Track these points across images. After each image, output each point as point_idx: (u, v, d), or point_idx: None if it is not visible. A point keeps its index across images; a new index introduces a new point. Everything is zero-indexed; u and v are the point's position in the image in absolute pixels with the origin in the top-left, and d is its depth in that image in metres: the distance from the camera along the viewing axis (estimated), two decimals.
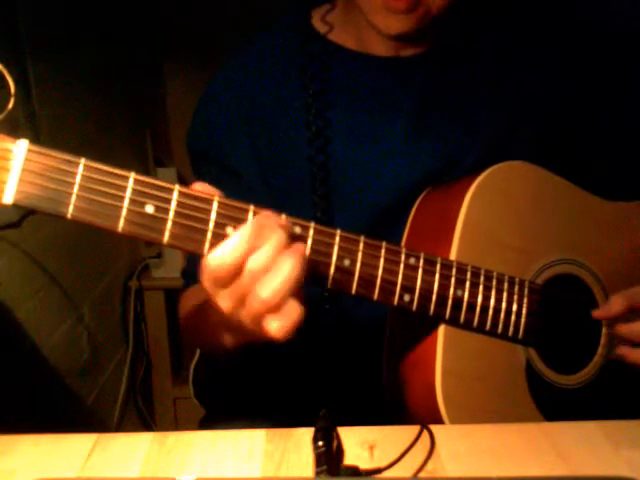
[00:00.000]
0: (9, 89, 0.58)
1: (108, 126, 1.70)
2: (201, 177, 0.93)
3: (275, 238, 0.58)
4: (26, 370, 1.24)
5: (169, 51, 2.21)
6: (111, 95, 1.75)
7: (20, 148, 0.55)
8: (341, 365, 0.90)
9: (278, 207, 0.63)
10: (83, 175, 0.56)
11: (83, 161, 0.57)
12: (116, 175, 0.57)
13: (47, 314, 1.36)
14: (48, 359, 1.35)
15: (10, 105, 0.58)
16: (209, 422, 1.04)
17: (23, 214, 1.22)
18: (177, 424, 2.10)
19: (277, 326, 0.59)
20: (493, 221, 0.79)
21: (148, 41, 2.12)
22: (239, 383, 1.02)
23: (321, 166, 0.86)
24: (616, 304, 0.83)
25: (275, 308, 0.58)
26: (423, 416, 0.75)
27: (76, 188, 0.56)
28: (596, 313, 0.84)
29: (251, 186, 0.88)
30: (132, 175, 0.58)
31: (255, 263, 0.57)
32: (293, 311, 0.59)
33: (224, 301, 0.60)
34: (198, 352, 1.17)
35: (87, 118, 1.56)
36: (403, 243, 0.82)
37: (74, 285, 1.51)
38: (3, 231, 1.16)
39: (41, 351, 1.32)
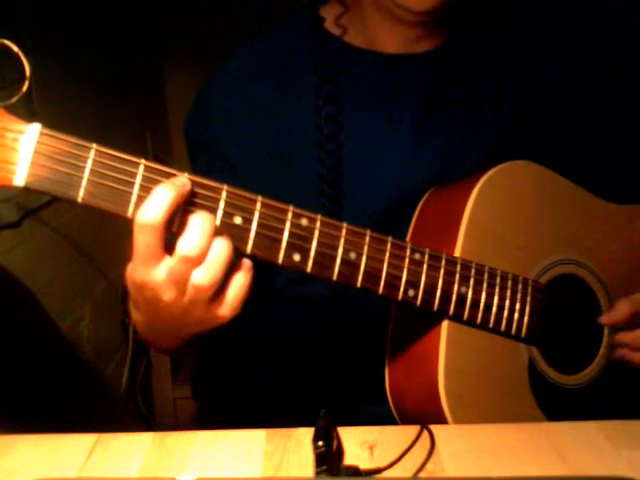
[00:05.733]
0: (24, 72, 0.58)
1: (108, 126, 1.70)
2: (195, 165, 0.92)
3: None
4: (26, 370, 1.24)
5: (169, 51, 2.21)
6: (111, 95, 1.74)
7: (33, 131, 0.56)
8: (342, 364, 0.90)
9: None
10: (94, 160, 0.57)
11: (95, 146, 0.57)
12: (127, 161, 0.58)
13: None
14: (48, 359, 1.35)
15: (24, 88, 0.58)
16: (209, 422, 1.04)
17: (23, 214, 1.21)
18: (177, 424, 2.10)
19: (222, 305, 0.62)
20: (497, 220, 0.79)
21: (148, 41, 2.11)
22: (239, 383, 1.02)
23: (331, 169, 0.86)
24: (622, 310, 0.84)
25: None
26: (425, 413, 0.75)
27: (87, 172, 0.57)
28: (603, 320, 0.85)
29: (248, 178, 0.86)
30: (142, 162, 0.59)
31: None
32: (234, 286, 0.61)
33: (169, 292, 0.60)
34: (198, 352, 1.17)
35: (87, 118, 1.56)
36: (408, 241, 0.82)
37: (74, 285, 1.51)
38: (3, 231, 1.16)
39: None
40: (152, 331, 0.71)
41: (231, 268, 0.61)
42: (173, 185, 0.58)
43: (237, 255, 0.61)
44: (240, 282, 0.62)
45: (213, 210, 0.61)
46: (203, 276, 0.59)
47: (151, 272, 0.59)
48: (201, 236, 0.58)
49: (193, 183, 0.60)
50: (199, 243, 0.58)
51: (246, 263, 0.62)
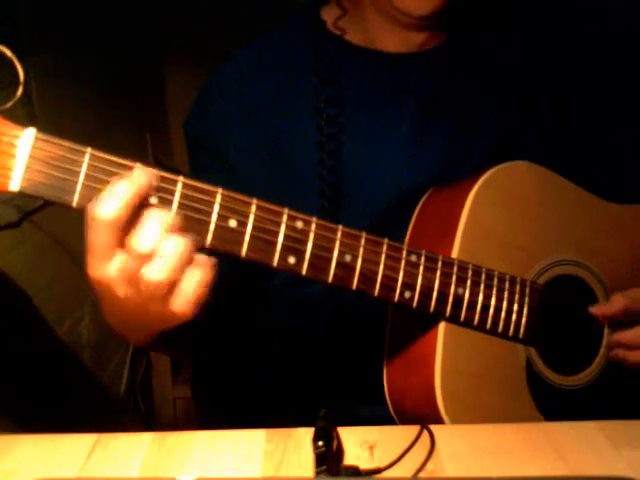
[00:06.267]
0: (18, 76, 0.58)
1: (108, 127, 1.70)
2: (194, 163, 0.92)
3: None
4: (26, 370, 1.24)
5: (169, 52, 2.21)
6: (111, 96, 1.74)
7: (27, 136, 0.56)
8: (341, 364, 0.90)
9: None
10: (89, 164, 0.57)
11: (89, 150, 0.57)
12: (122, 165, 0.58)
13: (47, 314, 1.36)
14: (48, 359, 1.35)
15: (19, 92, 0.58)
16: (209, 422, 1.04)
17: (23, 214, 1.21)
18: (177, 424, 2.10)
19: (179, 302, 0.59)
20: (496, 220, 0.79)
21: (148, 41, 2.11)
22: (238, 383, 1.02)
23: (331, 169, 0.86)
24: (616, 303, 0.83)
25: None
26: (423, 414, 0.75)
27: (82, 177, 0.57)
28: (594, 309, 0.84)
29: (247, 179, 0.86)
30: (137, 165, 0.58)
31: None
32: (190, 282, 0.58)
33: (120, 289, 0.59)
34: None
35: (87, 119, 1.56)
36: (406, 242, 0.82)
37: (74, 285, 1.51)
38: (3, 231, 1.16)
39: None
40: (117, 326, 0.70)
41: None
42: (133, 181, 0.57)
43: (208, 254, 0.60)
44: (196, 278, 0.59)
45: (208, 213, 0.60)
46: (156, 273, 0.57)
47: (104, 268, 0.58)
48: (153, 232, 0.57)
49: (188, 187, 0.59)
50: (151, 239, 0.57)
51: (202, 259, 0.59)
